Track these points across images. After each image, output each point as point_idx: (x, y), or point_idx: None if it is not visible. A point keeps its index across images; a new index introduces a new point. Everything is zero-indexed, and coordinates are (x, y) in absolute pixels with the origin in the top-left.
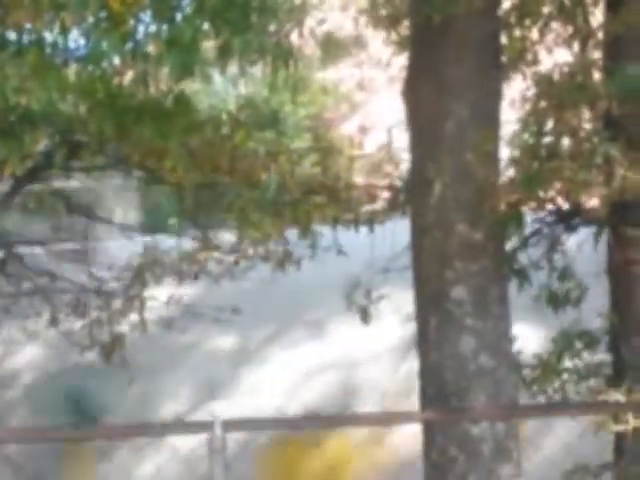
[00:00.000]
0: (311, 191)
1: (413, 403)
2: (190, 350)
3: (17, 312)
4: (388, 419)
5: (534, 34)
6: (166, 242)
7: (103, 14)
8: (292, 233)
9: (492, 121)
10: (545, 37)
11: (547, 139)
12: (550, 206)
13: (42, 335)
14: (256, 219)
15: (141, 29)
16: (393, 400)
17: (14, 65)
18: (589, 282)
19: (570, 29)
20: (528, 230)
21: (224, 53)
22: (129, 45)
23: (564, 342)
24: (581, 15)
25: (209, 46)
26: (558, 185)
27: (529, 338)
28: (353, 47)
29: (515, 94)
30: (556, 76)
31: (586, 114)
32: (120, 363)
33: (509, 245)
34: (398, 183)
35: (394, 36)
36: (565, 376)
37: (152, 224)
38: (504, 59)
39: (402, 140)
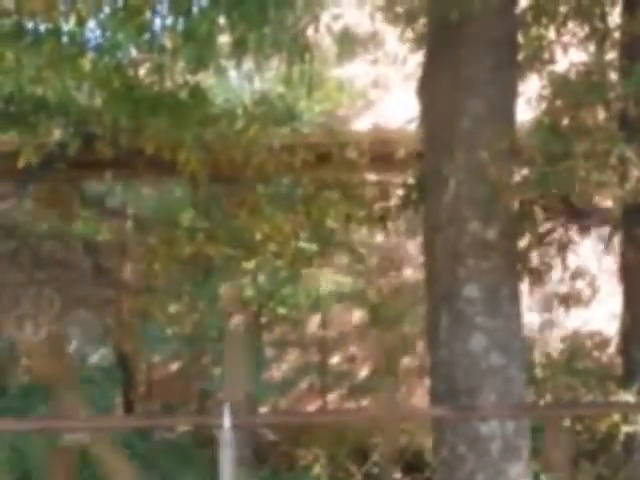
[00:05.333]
0: (324, 187)
1: None
2: None
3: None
4: (398, 415)
5: (551, 33)
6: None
7: (119, 5)
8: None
9: (507, 119)
10: (561, 36)
11: (562, 139)
12: (564, 206)
13: None
14: (268, 214)
15: (157, 21)
16: None
17: (30, 54)
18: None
19: (587, 29)
20: (541, 229)
21: (239, 47)
22: (145, 37)
23: (575, 342)
24: (598, 15)
25: (225, 40)
26: (572, 185)
27: None
28: (369, 44)
29: (531, 93)
30: (572, 76)
31: (602, 114)
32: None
33: (522, 244)
34: (412, 180)
35: (410, 33)
36: (575, 376)
37: (165, 217)
38: (520, 58)
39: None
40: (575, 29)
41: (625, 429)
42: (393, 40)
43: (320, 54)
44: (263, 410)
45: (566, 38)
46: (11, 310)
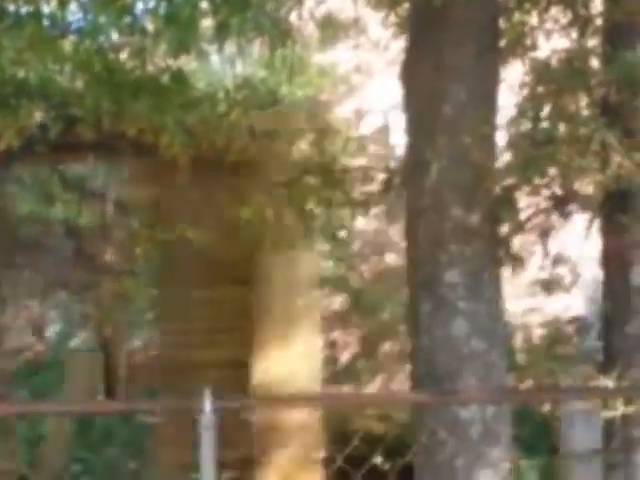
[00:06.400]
0: (306, 172)
1: None
2: None
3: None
4: (379, 399)
5: (533, 19)
6: None
7: None
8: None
9: (489, 104)
10: (544, 23)
11: (544, 124)
12: (545, 192)
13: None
14: (250, 199)
15: (139, 4)
16: None
17: (11, 37)
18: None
19: (569, 15)
20: (523, 215)
21: (222, 31)
22: (127, 20)
23: (555, 328)
24: (581, 1)
25: (207, 24)
26: (554, 171)
27: None
28: (352, 29)
29: (513, 79)
30: (554, 62)
31: (583, 100)
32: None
33: (504, 229)
34: (393, 165)
35: (393, 18)
36: (556, 362)
37: None
38: (502, 44)
39: (398, 123)
40: (557, 15)
41: (604, 414)
42: (376, 25)
43: (303, 39)
44: None
45: (548, 24)
46: None
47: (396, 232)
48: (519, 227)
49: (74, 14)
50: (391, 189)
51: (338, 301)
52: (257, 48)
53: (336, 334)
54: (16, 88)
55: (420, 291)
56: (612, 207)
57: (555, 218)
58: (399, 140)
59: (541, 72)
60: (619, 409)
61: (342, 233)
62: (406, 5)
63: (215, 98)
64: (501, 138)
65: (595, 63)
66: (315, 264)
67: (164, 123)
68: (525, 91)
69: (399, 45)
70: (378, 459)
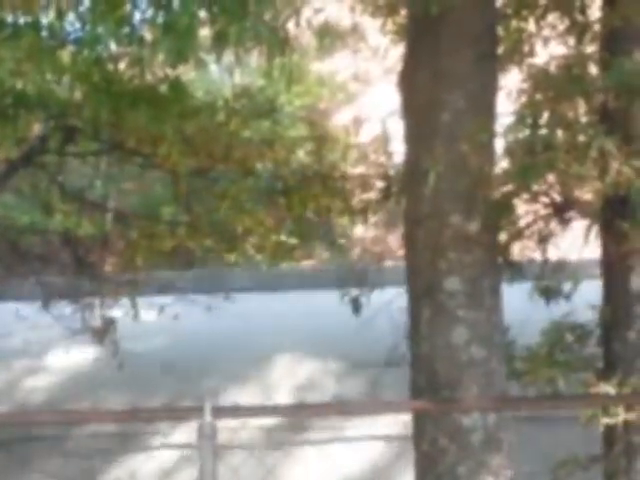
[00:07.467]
0: (305, 180)
1: None
2: None
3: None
4: (378, 408)
5: (531, 26)
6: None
7: None
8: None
9: (487, 112)
10: (541, 29)
11: (542, 131)
12: (544, 199)
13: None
14: (249, 207)
15: (137, 14)
16: None
17: (9, 48)
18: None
19: (567, 21)
20: (521, 222)
21: (220, 40)
22: (125, 30)
23: (555, 335)
24: (578, 7)
25: (205, 33)
26: (552, 178)
27: None
28: (350, 38)
29: (511, 86)
30: (552, 69)
31: (582, 107)
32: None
33: (503, 237)
34: (392, 173)
35: (391, 25)
36: (556, 369)
37: (146, 210)
38: (500, 50)
39: (397, 131)
40: (555, 22)
41: (605, 421)
42: (374, 33)
43: (301, 48)
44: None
45: (546, 31)
46: None
47: (395, 240)
48: (518, 234)
49: (72, 25)
50: (390, 197)
51: None
52: (255, 57)
53: None
54: (15, 99)
55: (420, 299)
56: (611, 214)
57: (554, 225)
58: (398, 148)
59: (539, 79)
60: (620, 416)
61: (341, 241)
62: (404, 13)
63: (214, 107)
64: (499, 145)
65: (593, 70)
66: None
67: (163, 132)
68: (523, 98)
69: (397, 53)
70: None
